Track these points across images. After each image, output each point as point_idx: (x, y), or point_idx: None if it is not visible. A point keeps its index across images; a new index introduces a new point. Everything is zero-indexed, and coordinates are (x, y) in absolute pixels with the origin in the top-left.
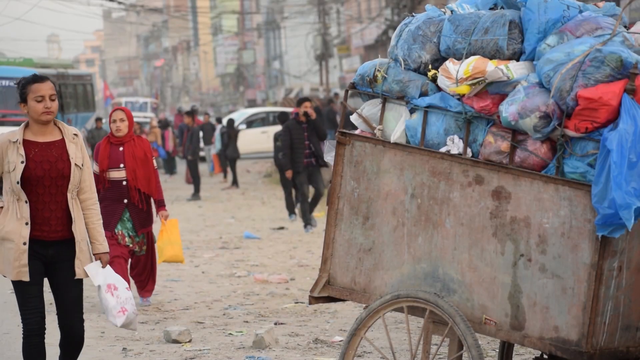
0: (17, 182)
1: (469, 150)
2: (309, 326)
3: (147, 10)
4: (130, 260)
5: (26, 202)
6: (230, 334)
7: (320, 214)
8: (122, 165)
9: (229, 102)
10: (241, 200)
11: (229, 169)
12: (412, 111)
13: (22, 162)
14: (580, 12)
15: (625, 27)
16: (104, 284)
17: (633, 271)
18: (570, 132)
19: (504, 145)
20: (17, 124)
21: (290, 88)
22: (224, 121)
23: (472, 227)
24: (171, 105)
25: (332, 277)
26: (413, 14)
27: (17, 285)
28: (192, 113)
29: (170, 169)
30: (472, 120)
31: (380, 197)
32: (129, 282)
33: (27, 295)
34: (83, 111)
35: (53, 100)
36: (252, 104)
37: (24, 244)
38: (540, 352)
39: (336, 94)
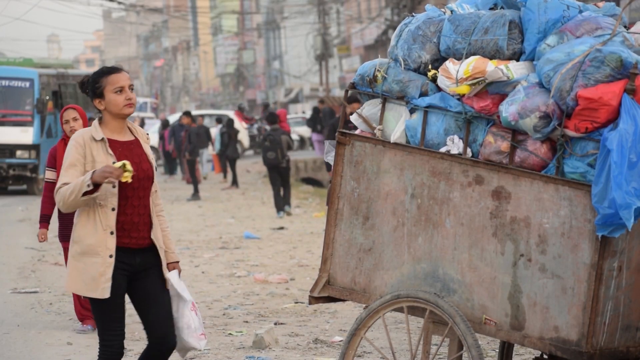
0: (114, 186)
1: (469, 150)
2: (309, 326)
3: (147, 10)
4: None
5: (113, 209)
6: (230, 334)
7: (320, 214)
8: None
9: (229, 102)
10: (241, 200)
11: (229, 169)
12: (412, 111)
13: (114, 163)
14: (580, 12)
15: (625, 27)
16: (189, 300)
17: (633, 271)
18: (570, 132)
19: (504, 145)
20: (17, 124)
21: (290, 88)
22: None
23: (472, 227)
24: (171, 105)
25: (332, 277)
26: (413, 14)
27: (99, 303)
28: (190, 113)
29: (171, 169)
30: (472, 120)
31: (380, 197)
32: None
33: (111, 316)
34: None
35: (132, 90)
36: (251, 104)
37: (110, 256)
38: (540, 352)
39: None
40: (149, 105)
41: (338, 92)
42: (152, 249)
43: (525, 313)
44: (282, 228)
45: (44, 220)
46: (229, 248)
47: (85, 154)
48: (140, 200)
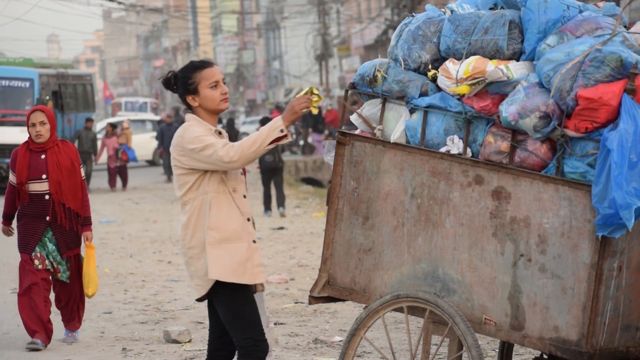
0: (242, 173)
1: (468, 150)
2: (309, 326)
3: (147, 10)
4: (53, 289)
5: (244, 196)
6: None
7: (320, 214)
8: (44, 177)
9: (229, 102)
10: None
11: None
12: (412, 111)
13: (299, 93)
14: (580, 12)
15: (625, 27)
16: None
17: (633, 271)
18: (570, 132)
19: (504, 145)
20: (17, 124)
21: (290, 88)
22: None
23: (472, 227)
24: (171, 105)
25: (332, 277)
26: (413, 14)
27: (243, 292)
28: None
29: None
30: (472, 120)
31: (380, 197)
32: (49, 314)
33: (255, 312)
34: (83, 111)
35: (225, 84)
36: (251, 104)
37: (254, 242)
38: (540, 352)
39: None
40: (149, 105)
41: (338, 92)
42: None
43: (525, 313)
44: (282, 228)
45: (7, 219)
46: None
47: None
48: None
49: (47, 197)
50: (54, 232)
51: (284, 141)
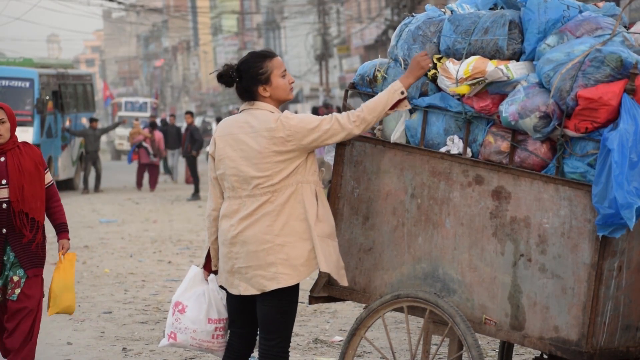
0: (320, 168)
1: (469, 150)
2: (309, 326)
3: (147, 10)
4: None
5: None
6: None
7: None
8: (4, 182)
9: (229, 102)
10: None
11: None
12: (412, 111)
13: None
14: (580, 12)
15: (625, 27)
16: (173, 301)
17: (633, 271)
18: (570, 132)
19: (504, 145)
20: (17, 123)
21: None
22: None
23: (472, 227)
24: (171, 105)
25: (332, 277)
26: (413, 14)
27: (297, 297)
28: (191, 113)
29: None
30: (472, 120)
31: (380, 197)
32: None
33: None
34: (83, 111)
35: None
36: None
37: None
38: (540, 352)
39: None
40: (149, 105)
41: (338, 92)
42: None
43: (525, 313)
44: None
45: None
46: None
47: None
48: None
49: (4, 205)
50: (12, 247)
51: (404, 107)
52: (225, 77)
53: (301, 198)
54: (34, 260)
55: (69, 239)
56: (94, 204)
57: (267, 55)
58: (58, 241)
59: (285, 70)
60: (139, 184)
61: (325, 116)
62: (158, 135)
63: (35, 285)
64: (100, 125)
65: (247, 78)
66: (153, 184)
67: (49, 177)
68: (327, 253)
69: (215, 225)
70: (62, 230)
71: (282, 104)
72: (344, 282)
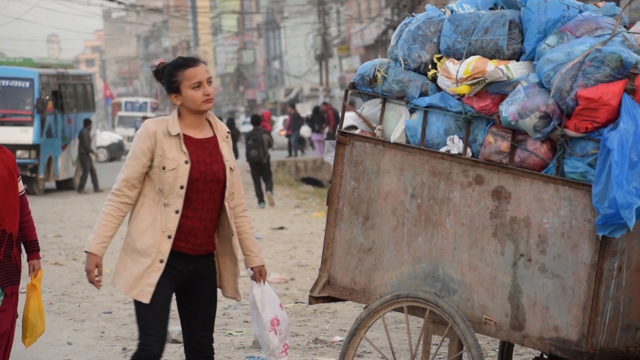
0: (181, 187)
1: (469, 150)
2: (309, 326)
3: (147, 10)
4: None
5: (177, 211)
6: (230, 334)
7: (320, 214)
8: None
9: (229, 102)
10: None
11: None
12: (412, 111)
13: (186, 162)
14: (580, 12)
15: (625, 27)
16: (267, 321)
17: (633, 271)
18: (570, 132)
19: (504, 145)
20: (17, 124)
21: (290, 88)
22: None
23: (472, 227)
24: (171, 105)
25: (332, 277)
26: (413, 14)
27: (140, 305)
28: None
29: None
30: (472, 120)
31: (380, 197)
32: None
33: (151, 320)
34: (83, 111)
35: (210, 84)
36: (252, 104)
37: (161, 261)
38: (540, 352)
39: (292, 106)
40: (149, 105)
41: (338, 92)
42: (211, 257)
43: (525, 313)
44: (282, 228)
45: None
46: None
47: (155, 147)
48: (205, 204)
49: None
50: None
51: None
52: (156, 75)
53: (135, 212)
54: (10, 276)
55: (39, 259)
56: (94, 204)
57: (182, 64)
58: (28, 261)
59: (200, 82)
60: None
61: (130, 161)
62: None
63: (11, 305)
64: (101, 125)
65: (164, 82)
66: None
67: (20, 186)
68: (119, 266)
69: None
70: (33, 249)
71: (200, 114)
72: (138, 297)
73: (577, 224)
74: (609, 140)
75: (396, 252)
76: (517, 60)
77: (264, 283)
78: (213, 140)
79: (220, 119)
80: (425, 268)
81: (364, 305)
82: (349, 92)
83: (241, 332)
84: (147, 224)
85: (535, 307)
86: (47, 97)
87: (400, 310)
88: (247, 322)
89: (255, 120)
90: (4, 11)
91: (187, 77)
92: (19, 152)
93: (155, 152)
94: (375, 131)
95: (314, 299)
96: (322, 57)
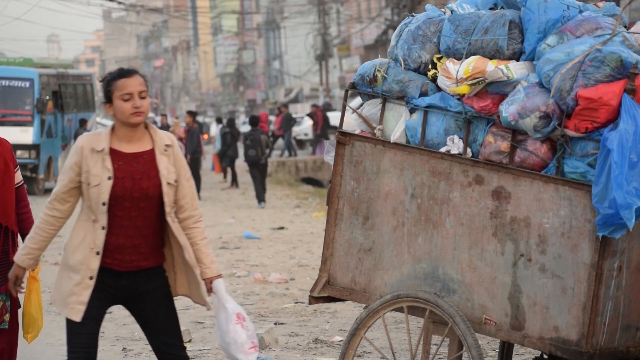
0: (104, 204)
1: (469, 150)
2: (309, 326)
3: (147, 10)
4: None
5: (103, 228)
6: None
7: (320, 214)
8: None
9: (228, 102)
10: (241, 200)
11: (228, 169)
12: (412, 111)
13: (109, 178)
14: (580, 12)
15: (625, 27)
16: (232, 313)
17: (633, 271)
18: (570, 132)
19: (504, 145)
20: (17, 124)
21: (290, 88)
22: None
23: (472, 227)
24: (171, 105)
25: (332, 277)
26: (413, 14)
27: (69, 321)
28: (192, 112)
29: None
30: (472, 120)
31: (380, 197)
32: None
33: (76, 332)
34: (83, 111)
35: (143, 98)
36: (251, 104)
37: (90, 278)
38: (540, 352)
39: (285, 106)
40: None
41: (338, 92)
42: (148, 271)
43: (525, 313)
44: (282, 228)
45: None
46: (229, 248)
47: (82, 163)
48: (132, 221)
49: None
50: None
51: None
52: (101, 83)
53: (74, 226)
54: (5, 274)
55: None
56: None
57: (116, 75)
58: None
59: (130, 94)
60: None
61: (65, 175)
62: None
63: (15, 305)
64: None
65: (102, 91)
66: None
67: (19, 177)
68: (56, 281)
69: None
70: None
71: (131, 127)
72: (68, 315)
73: (577, 224)
74: (608, 140)
75: (396, 252)
76: (517, 60)
77: (216, 293)
78: (149, 154)
79: (220, 119)
80: (425, 268)
81: (364, 305)
82: (349, 92)
83: None
84: (79, 240)
85: (535, 307)
86: (47, 97)
87: (400, 310)
88: None
89: (253, 121)
90: (4, 11)
91: (118, 87)
92: (19, 152)
93: (82, 167)
94: (375, 131)
95: (314, 299)
96: (322, 57)
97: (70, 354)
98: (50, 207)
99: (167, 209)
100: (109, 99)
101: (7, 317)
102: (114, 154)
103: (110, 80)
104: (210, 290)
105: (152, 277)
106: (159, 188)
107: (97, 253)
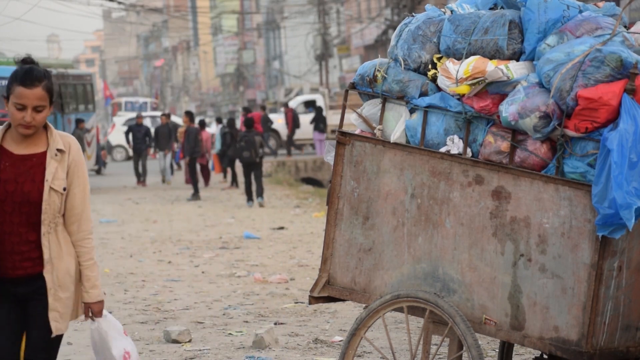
0: None
1: (469, 150)
2: (309, 326)
3: (147, 10)
4: None
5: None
6: (230, 334)
7: (320, 214)
8: None
9: (228, 102)
10: (241, 200)
11: (228, 169)
12: (412, 111)
13: None
14: (580, 12)
15: (625, 27)
16: (120, 356)
17: (633, 271)
18: (570, 132)
19: (504, 145)
20: None
21: (290, 88)
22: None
23: (472, 227)
24: (171, 105)
25: (332, 277)
26: (413, 14)
27: None
28: (189, 113)
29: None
30: (472, 120)
31: (380, 197)
32: None
33: None
34: (83, 111)
35: (39, 111)
36: (251, 104)
37: None
38: (540, 352)
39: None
40: (149, 105)
41: (338, 92)
42: (33, 280)
43: (525, 313)
44: (282, 228)
45: None
46: (229, 248)
47: None
48: (15, 227)
49: None
50: None
51: None
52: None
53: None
54: None
55: None
56: (94, 204)
57: (21, 79)
58: None
59: (24, 105)
60: (187, 181)
61: None
62: (206, 134)
63: None
64: (101, 125)
65: (6, 88)
66: (206, 180)
67: None
68: None
69: None
70: None
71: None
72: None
73: (577, 224)
74: (608, 140)
75: (396, 252)
76: (517, 60)
77: (94, 320)
78: (39, 157)
79: (220, 119)
80: (425, 268)
81: (364, 305)
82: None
83: (241, 332)
84: None
85: (535, 307)
86: None
87: (400, 310)
88: (247, 322)
89: (248, 123)
90: (4, 11)
91: (15, 94)
92: None
93: None
94: (375, 131)
95: (314, 299)
96: (322, 57)
97: None
98: None
99: (44, 215)
100: (7, 96)
101: None
102: (3, 153)
103: (11, 82)
104: (87, 314)
105: (38, 286)
106: (41, 194)
107: None
